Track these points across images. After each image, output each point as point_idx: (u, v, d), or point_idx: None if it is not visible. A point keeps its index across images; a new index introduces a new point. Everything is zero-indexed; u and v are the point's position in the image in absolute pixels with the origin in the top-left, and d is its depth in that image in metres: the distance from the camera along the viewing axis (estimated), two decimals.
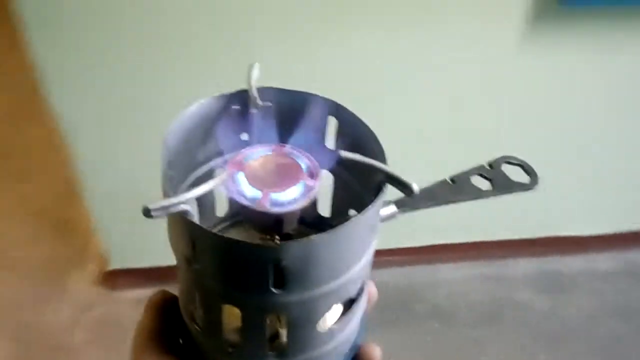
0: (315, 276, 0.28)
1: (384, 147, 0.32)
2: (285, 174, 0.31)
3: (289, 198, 0.30)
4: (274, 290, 0.28)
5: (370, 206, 0.28)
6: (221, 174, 0.30)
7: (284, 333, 0.32)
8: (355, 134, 0.33)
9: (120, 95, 1.09)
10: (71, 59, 1.03)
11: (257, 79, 0.35)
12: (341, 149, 0.33)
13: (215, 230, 0.37)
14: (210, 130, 0.34)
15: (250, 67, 0.34)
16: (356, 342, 0.36)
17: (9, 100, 1.88)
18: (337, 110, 0.35)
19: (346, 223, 0.27)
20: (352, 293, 0.32)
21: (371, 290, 0.35)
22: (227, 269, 0.28)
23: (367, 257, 0.31)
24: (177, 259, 0.31)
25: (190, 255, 0.29)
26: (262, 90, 0.34)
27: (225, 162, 0.33)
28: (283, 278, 0.28)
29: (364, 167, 0.31)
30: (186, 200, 0.26)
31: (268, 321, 0.30)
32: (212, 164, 0.36)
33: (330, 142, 0.36)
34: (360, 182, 0.35)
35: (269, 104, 0.35)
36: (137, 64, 1.05)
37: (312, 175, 0.31)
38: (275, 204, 0.29)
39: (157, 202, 0.26)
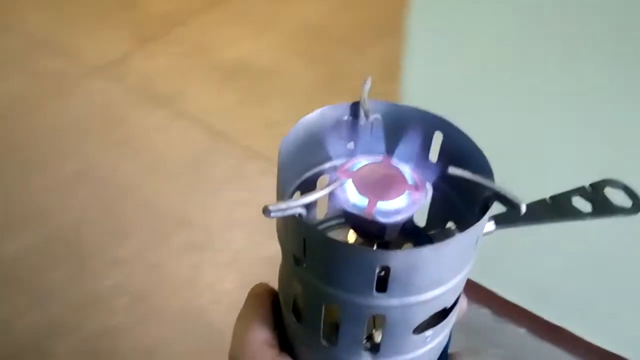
0: (417, 284, 0.29)
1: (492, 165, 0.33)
2: (391, 184, 0.32)
3: (394, 208, 0.31)
4: (376, 293, 0.29)
5: (477, 223, 0.30)
6: (331, 179, 0.32)
7: (378, 334, 0.34)
8: (462, 151, 0.34)
9: None
10: None
11: (368, 92, 0.36)
12: (446, 164, 0.34)
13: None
14: (322, 138, 0.36)
15: (364, 82, 0.36)
16: (445, 350, 0.37)
17: None
18: (445, 126, 0.36)
19: (454, 238, 0.29)
20: (448, 303, 0.33)
21: (462, 303, 0.36)
22: (334, 270, 0.30)
23: (466, 270, 0.32)
24: (285, 255, 0.33)
25: (300, 254, 0.31)
26: (372, 103, 0.36)
27: (334, 168, 0.35)
28: (386, 283, 0.29)
29: (470, 183, 0.32)
30: (302, 205, 0.29)
31: (366, 322, 0.32)
32: (320, 168, 0.38)
33: (434, 156, 0.37)
34: (462, 196, 0.36)
35: (378, 116, 0.36)
36: None
37: (417, 187, 0.32)
38: (381, 213, 0.31)
39: (277, 204, 0.28)
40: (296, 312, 0.34)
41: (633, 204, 0.36)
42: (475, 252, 0.33)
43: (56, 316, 1.38)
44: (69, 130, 1.83)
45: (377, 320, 0.34)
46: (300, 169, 0.37)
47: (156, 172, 1.72)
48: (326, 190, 0.30)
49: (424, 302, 0.30)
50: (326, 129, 0.36)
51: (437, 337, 0.34)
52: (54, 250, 1.50)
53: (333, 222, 0.40)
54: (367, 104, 0.36)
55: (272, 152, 0.34)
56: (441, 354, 0.37)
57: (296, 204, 0.28)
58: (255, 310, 0.36)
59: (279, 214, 0.28)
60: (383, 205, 0.31)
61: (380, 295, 0.29)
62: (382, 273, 0.29)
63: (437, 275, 0.30)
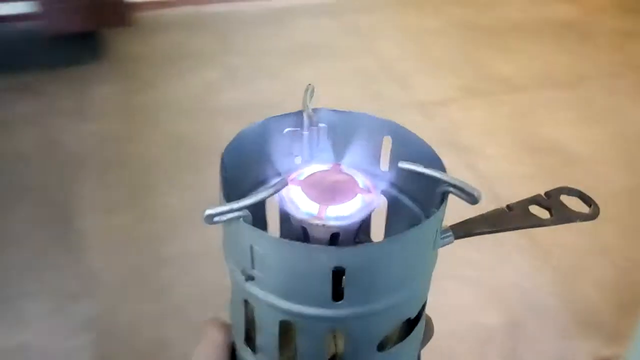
0: (375, 288, 0.28)
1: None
2: (341, 189, 0.31)
3: (346, 213, 0.30)
4: (334, 303, 0.28)
5: (434, 214, 0.29)
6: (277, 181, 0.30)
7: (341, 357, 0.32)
8: (414, 154, 0.33)
9: None
10: None
11: (311, 100, 0.35)
12: (398, 170, 0.33)
13: None
14: (265, 151, 0.35)
15: (306, 89, 0.35)
16: None
17: None
18: (394, 130, 0.35)
19: (410, 230, 0.28)
20: (412, 313, 0.31)
21: (429, 325, 0.35)
22: (287, 278, 0.28)
23: (427, 275, 0.31)
24: (233, 276, 0.31)
25: (248, 266, 0.29)
26: (316, 111, 0.35)
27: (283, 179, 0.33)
28: (343, 291, 0.28)
29: (423, 182, 0.31)
30: (246, 206, 0.27)
31: (325, 340, 0.30)
32: (267, 182, 0.36)
33: (385, 163, 0.36)
34: (418, 203, 0.35)
35: (323, 125, 0.35)
36: None
37: (369, 190, 0.32)
38: (333, 218, 0.30)
39: (217, 207, 0.27)
40: (250, 343, 0.32)
41: (591, 209, 0.36)
42: (435, 254, 0.31)
43: None
44: None
45: (341, 340, 0.32)
46: (248, 185, 0.35)
47: None
48: (269, 190, 0.28)
49: (386, 311, 0.29)
50: (271, 143, 0.35)
51: (403, 356, 0.32)
52: None
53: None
54: (310, 112, 0.34)
55: None
56: None
57: (239, 206, 0.27)
58: (211, 350, 0.34)
59: (222, 218, 0.27)
60: (334, 209, 0.30)
61: (338, 304, 0.28)
62: (340, 285, 0.28)
63: (396, 275, 0.28)
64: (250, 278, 0.29)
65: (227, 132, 0.34)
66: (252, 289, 0.29)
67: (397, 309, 0.30)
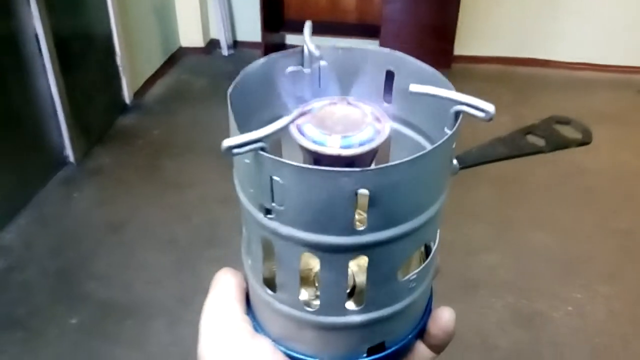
0: (398, 210, 0.28)
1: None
2: (352, 120, 0.31)
3: (359, 140, 0.30)
4: (356, 227, 0.27)
5: (449, 133, 0.28)
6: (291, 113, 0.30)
7: (362, 287, 0.32)
8: (421, 82, 0.32)
9: None
10: None
11: (310, 36, 0.35)
12: (402, 102, 0.34)
13: None
14: (271, 90, 0.34)
15: (305, 26, 0.35)
16: (429, 305, 0.35)
17: None
18: (398, 61, 0.35)
19: (430, 150, 0.27)
20: (430, 237, 0.32)
21: (436, 261, 0.34)
22: (310, 207, 0.27)
23: (442, 197, 0.30)
24: (249, 214, 0.30)
25: (268, 200, 0.28)
26: (317, 48, 0.35)
27: (298, 109, 0.32)
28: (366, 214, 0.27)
29: (429, 111, 0.32)
30: (266, 136, 0.26)
31: (349, 271, 0.30)
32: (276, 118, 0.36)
33: (391, 96, 0.36)
34: (423, 133, 0.35)
35: (324, 63, 0.35)
36: None
37: (379, 119, 0.31)
38: (346, 146, 0.29)
39: (237, 138, 0.26)
40: (269, 284, 0.32)
41: (583, 135, 0.37)
42: (449, 178, 0.31)
43: None
44: None
45: (362, 269, 0.32)
46: (254, 127, 0.33)
47: None
48: (289, 119, 0.29)
49: (407, 235, 0.29)
50: (275, 82, 0.34)
51: (420, 286, 0.32)
52: None
53: None
54: (311, 50, 0.34)
55: None
56: (424, 311, 0.35)
57: (259, 136, 0.26)
58: (225, 293, 0.34)
59: (241, 150, 0.26)
60: (347, 139, 0.30)
61: (361, 230, 0.27)
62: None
63: (417, 197, 0.28)
64: (269, 212, 0.28)
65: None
66: (272, 223, 0.28)
67: (418, 233, 0.29)
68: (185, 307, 1.74)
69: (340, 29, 3.12)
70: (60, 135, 2.30)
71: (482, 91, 2.87)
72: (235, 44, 3.45)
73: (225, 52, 3.38)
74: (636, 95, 2.92)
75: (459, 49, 2.96)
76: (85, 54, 2.46)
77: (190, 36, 3.33)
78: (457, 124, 0.29)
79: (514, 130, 0.38)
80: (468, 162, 0.35)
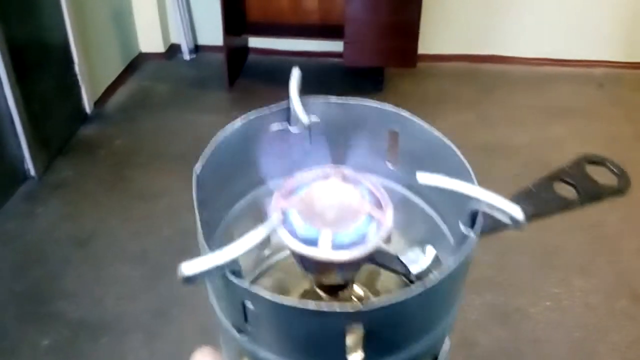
0: (398, 339, 0.23)
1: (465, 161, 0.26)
2: (347, 207, 0.25)
3: (354, 235, 0.24)
4: (350, 358, 0.23)
5: (463, 258, 0.23)
6: (268, 209, 0.24)
7: None
8: (426, 148, 0.28)
9: None
10: None
11: (299, 88, 0.29)
12: (407, 173, 0.28)
13: (256, 273, 0.30)
14: (248, 154, 0.29)
15: (292, 74, 0.28)
16: None
17: None
18: (402, 121, 0.29)
19: (439, 279, 0.22)
20: (438, 350, 0.27)
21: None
22: (289, 338, 0.23)
23: (454, 312, 0.26)
24: (224, 324, 0.26)
25: (241, 322, 0.24)
26: (305, 103, 0.29)
27: (271, 192, 0.26)
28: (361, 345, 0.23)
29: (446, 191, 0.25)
30: (233, 259, 0.21)
31: None
32: (253, 194, 0.30)
33: (392, 160, 0.30)
34: (432, 204, 0.30)
35: (316, 119, 0.29)
36: None
37: (379, 204, 0.25)
38: (339, 245, 0.24)
39: (195, 263, 0.21)
40: None
41: (619, 180, 0.31)
42: (463, 289, 0.26)
43: None
44: None
45: None
46: (228, 199, 0.30)
47: None
48: (258, 235, 0.23)
49: (409, 358, 0.24)
50: (253, 142, 0.28)
51: None
52: None
53: (280, 256, 0.31)
54: (298, 105, 0.28)
55: None
56: None
57: (225, 261, 0.21)
58: None
59: (203, 278, 0.21)
60: (340, 236, 0.24)
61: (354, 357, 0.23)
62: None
63: (421, 324, 0.24)
64: (243, 333, 0.24)
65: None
66: (248, 345, 0.24)
67: (422, 353, 0.25)
68: (161, 321, 1.69)
69: (303, 30, 3.10)
70: (20, 148, 2.21)
71: (447, 90, 2.92)
72: (197, 48, 3.38)
73: (187, 56, 3.32)
74: (597, 89, 2.98)
75: (423, 48, 2.97)
76: (41, 63, 2.37)
77: (150, 41, 3.25)
78: (476, 229, 0.23)
79: (541, 178, 0.33)
80: (486, 228, 0.27)
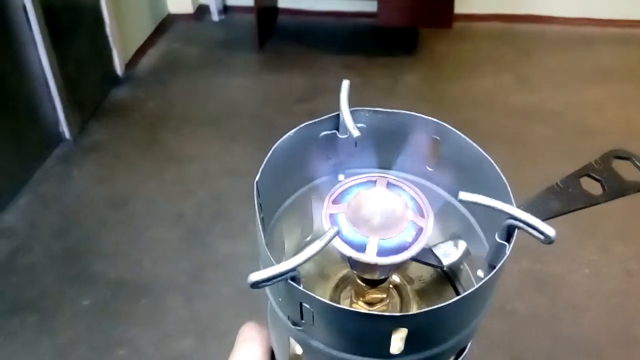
0: (436, 337, 0.27)
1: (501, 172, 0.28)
2: (392, 215, 0.27)
3: (398, 244, 0.27)
4: (392, 353, 0.26)
5: (503, 261, 0.27)
6: (316, 211, 0.28)
7: None
8: (465, 160, 0.30)
9: None
10: None
11: (348, 99, 0.31)
12: (447, 177, 0.31)
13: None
14: (300, 160, 0.32)
15: (343, 85, 0.32)
16: None
17: None
18: (443, 132, 0.31)
19: (481, 284, 0.25)
20: (467, 343, 0.30)
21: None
22: (340, 334, 0.26)
23: (488, 305, 0.29)
24: (277, 317, 0.29)
25: (297, 317, 0.27)
26: (355, 113, 0.31)
27: (317, 190, 0.30)
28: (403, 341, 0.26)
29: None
30: (295, 267, 0.24)
31: None
32: (301, 192, 0.34)
33: (434, 168, 0.33)
34: (472, 213, 0.32)
35: (362, 125, 0.32)
36: None
37: (421, 212, 0.28)
38: (383, 250, 0.26)
39: (263, 272, 0.24)
40: None
41: None
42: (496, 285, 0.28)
43: None
44: None
45: None
46: (279, 197, 0.33)
47: None
48: (318, 246, 0.25)
49: (443, 352, 0.27)
50: (305, 148, 0.32)
51: None
52: None
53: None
54: (347, 114, 0.31)
55: None
56: None
57: (287, 268, 0.24)
58: (251, 356, 0.33)
59: (270, 284, 0.24)
60: (385, 242, 0.27)
61: (397, 355, 0.26)
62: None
63: (458, 323, 0.27)
64: (297, 325, 0.27)
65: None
66: (300, 335, 0.27)
67: (454, 348, 0.28)
68: (198, 282, 1.72)
69: None
70: (55, 111, 2.22)
71: (483, 51, 2.84)
72: (226, 9, 3.34)
73: (215, 17, 3.28)
74: None
75: (459, 7, 2.89)
76: (75, 26, 2.36)
77: (178, 2, 3.22)
78: (511, 244, 0.27)
79: (570, 174, 0.34)
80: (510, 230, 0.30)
